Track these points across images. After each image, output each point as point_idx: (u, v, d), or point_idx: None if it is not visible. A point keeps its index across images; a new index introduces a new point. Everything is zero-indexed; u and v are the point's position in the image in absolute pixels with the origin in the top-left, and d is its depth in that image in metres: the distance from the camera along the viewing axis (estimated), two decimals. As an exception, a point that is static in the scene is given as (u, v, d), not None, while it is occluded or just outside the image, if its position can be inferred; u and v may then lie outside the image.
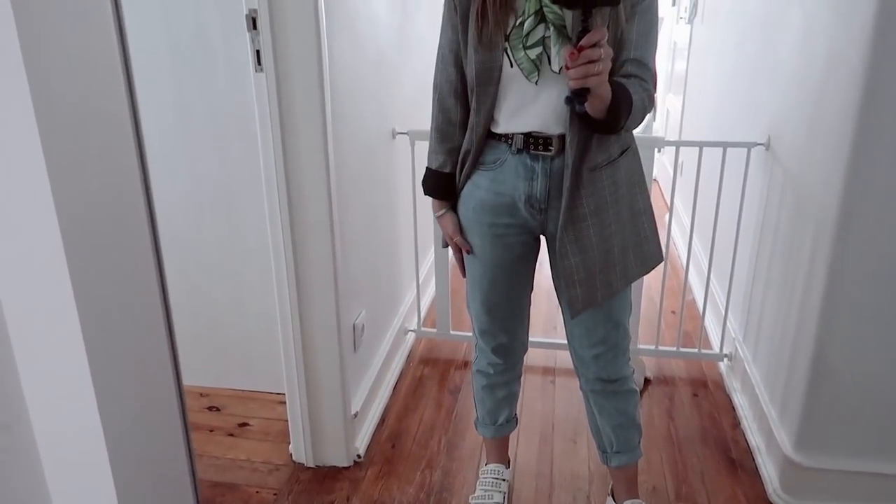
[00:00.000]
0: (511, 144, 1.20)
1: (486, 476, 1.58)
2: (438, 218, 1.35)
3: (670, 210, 2.11)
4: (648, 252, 1.27)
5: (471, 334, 2.01)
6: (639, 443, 1.43)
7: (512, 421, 1.56)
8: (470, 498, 1.57)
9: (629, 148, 1.22)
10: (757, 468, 1.69)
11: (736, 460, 1.73)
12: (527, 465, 1.73)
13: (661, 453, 1.76)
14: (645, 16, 1.13)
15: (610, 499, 1.53)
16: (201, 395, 2.03)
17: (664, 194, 3.87)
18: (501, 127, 1.20)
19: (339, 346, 1.64)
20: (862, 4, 1.28)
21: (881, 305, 1.41)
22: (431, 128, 1.31)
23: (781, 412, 1.64)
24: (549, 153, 1.18)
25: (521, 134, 1.18)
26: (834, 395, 1.49)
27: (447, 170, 1.30)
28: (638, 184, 1.24)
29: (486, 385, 1.48)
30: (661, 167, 4.00)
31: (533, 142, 1.18)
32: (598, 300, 1.22)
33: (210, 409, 1.97)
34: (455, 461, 1.74)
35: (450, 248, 1.36)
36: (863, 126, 1.30)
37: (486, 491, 1.55)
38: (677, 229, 3.10)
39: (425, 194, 1.35)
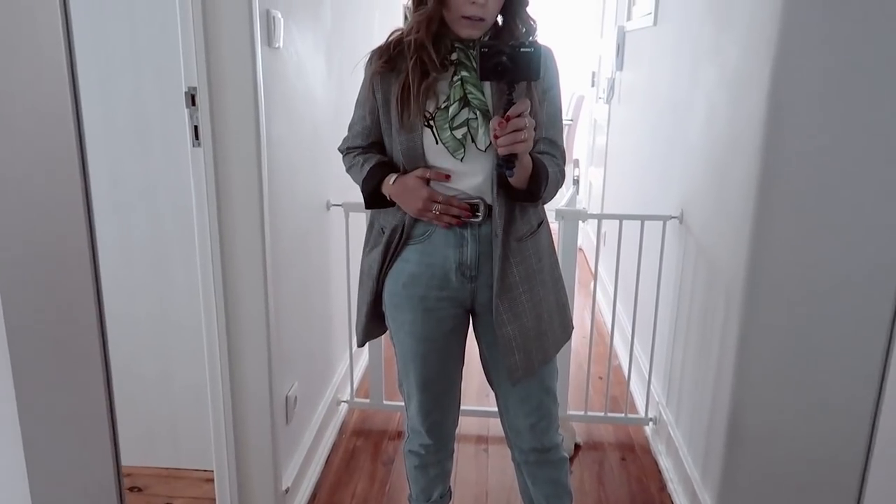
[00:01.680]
0: None
1: None
2: (396, 185, 1.24)
3: (595, 278, 2.21)
4: (567, 319, 1.37)
5: (402, 404, 2.04)
6: None
7: (446, 496, 1.56)
8: None
9: (543, 221, 1.32)
10: (684, 531, 1.74)
11: (664, 525, 1.78)
12: (462, 535, 1.72)
13: (592, 519, 1.79)
14: (554, 101, 1.27)
15: None
16: (125, 475, 1.94)
17: (589, 263, 4.02)
18: None
19: (271, 419, 1.62)
20: (754, 91, 1.43)
21: (791, 366, 1.51)
22: (347, 163, 1.34)
23: (703, 474, 1.71)
24: (477, 219, 1.24)
25: None
26: (752, 455, 1.56)
27: (375, 162, 1.27)
28: (553, 254, 1.35)
29: (419, 465, 1.48)
30: (585, 236, 4.17)
31: None
32: (534, 367, 1.27)
33: (132, 489, 1.89)
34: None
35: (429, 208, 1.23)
36: (762, 202, 1.42)
37: None
38: (602, 296, 3.22)
39: (370, 206, 1.31)
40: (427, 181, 1.22)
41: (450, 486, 1.58)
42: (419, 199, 1.21)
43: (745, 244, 1.47)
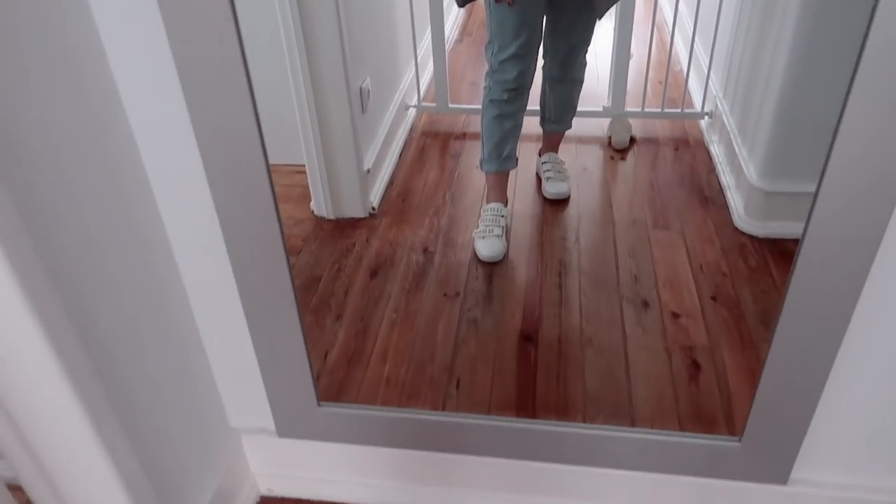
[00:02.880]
0: None
1: (486, 213, 1.81)
2: None
3: (659, -27, 2.16)
4: None
5: (468, 106, 2.35)
6: (570, 119, 1.96)
7: (513, 158, 1.78)
8: (473, 233, 1.80)
9: None
10: (726, 201, 1.91)
11: (708, 198, 1.95)
12: (523, 209, 1.95)
13: (642, 196, 1.97)
14: None
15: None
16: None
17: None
18: None
19: (349, 107, 1.79)
20: None
21: (842, 44, 1.54)
22: None
23: (751, 149, 1.83)
24: None
25: None
26: (795, 127, 1.67)
27: None
28: None
29: (498, 115, 1.72)
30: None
31: None
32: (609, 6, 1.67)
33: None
34: (459, 210, 1.96)
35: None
36: None
37: (487, 226, 1.78)
38: None
39: None
40: None
41: (517, 155, 1.80)
42: None
43: None
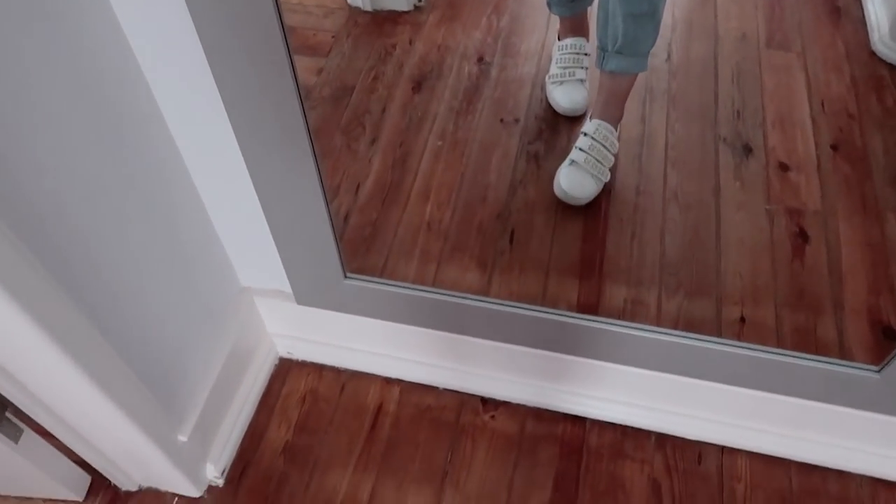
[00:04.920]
0: None
1: (563, 52, 1.39)
2: None
3: None
4: None
5: None
6: (647, 53, 1.20)
7: None
8: (546, 78, 1.41)
9: None
10: (865, 16, 1.51)
11: (841, 8, 1.54)
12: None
13: (755, 1, 1.57)
14: None
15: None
16: None
17: None
18: None
19: None
20: None
21: None
22: None
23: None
24: None
25: None
26: None
27: None
28: None
29: None
30: None
31: None
32: None
33: None
34: (524, 6, 1.59)
35: None
36: None
37: (565, 68, 1.37)
38: None
39: None
40: None
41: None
42: None
43: None
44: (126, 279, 0.77)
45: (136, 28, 0.68)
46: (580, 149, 1.25)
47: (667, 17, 1.54)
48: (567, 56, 1.39)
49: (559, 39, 1.43)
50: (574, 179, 1.23)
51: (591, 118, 1.29)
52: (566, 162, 1.26)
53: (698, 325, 1.10)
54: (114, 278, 0.75)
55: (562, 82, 1.37)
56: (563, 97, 1.36)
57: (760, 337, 1.08)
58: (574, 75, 1.37)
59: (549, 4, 1.41)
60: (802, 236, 1.18)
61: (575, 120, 1.37)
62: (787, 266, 1.15)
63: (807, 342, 1.07)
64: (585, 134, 1.27)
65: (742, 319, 1.10)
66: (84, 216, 0.69)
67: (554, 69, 1.40)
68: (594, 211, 1.24)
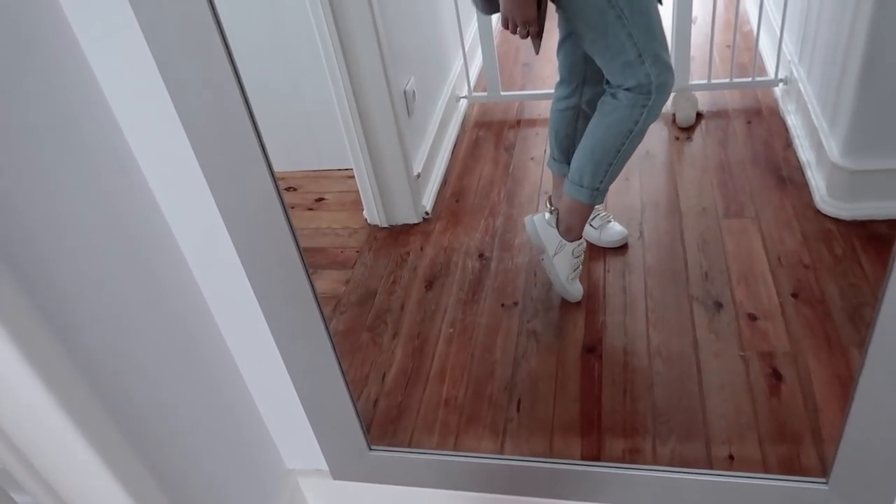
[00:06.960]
0: None
1: (578, 251, 1.57)
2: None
3: (720, -70, 1.97)
4: None
5: (521, 92, 2.26)
6: (583, 187, 1.45)
7: None
8: (567, 276, 1.56)
9: None
10: (806, 181, 1.75)
11: (785, 177, 1.79)
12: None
13: (711, 179, 1.83)
14: None
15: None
16: (279, 178, 2.20)
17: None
18: None
19: (393, 112, 1.73)
20: None
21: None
22: None
23: (832, 122, 1.66)
24: None
25: None
26: (882, 98, 1.49)
27: None
28: None
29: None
30: None
31: None
32: None
33: (288, 189, 2.15)
34: (515, 208, 1.88)
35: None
36: None
37: (580, 264, 1.58)
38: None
39: None
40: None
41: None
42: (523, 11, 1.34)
43: None
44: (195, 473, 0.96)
45: (195, 259, 0.94)
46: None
47: (636, 201, 1.80)
48: (581, 254, 1.58)
49: (576, 239, 1.56)
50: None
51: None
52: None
53: (692, 466, 1.22)
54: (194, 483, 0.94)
55: (577, 278, 1.58)
56: (579, 290, 1.58)
57: (750, 471, 1.19)
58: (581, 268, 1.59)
59: (591, 195, 1.49)
60: (776, 376, 1.32)
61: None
62: (765, 404, 1.28)
63: (792, 471, 1.17)
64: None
65: (731, 457, 1.21)
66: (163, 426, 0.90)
67: (574, 267, 1.57)
68: (588, 373, 1.41)
